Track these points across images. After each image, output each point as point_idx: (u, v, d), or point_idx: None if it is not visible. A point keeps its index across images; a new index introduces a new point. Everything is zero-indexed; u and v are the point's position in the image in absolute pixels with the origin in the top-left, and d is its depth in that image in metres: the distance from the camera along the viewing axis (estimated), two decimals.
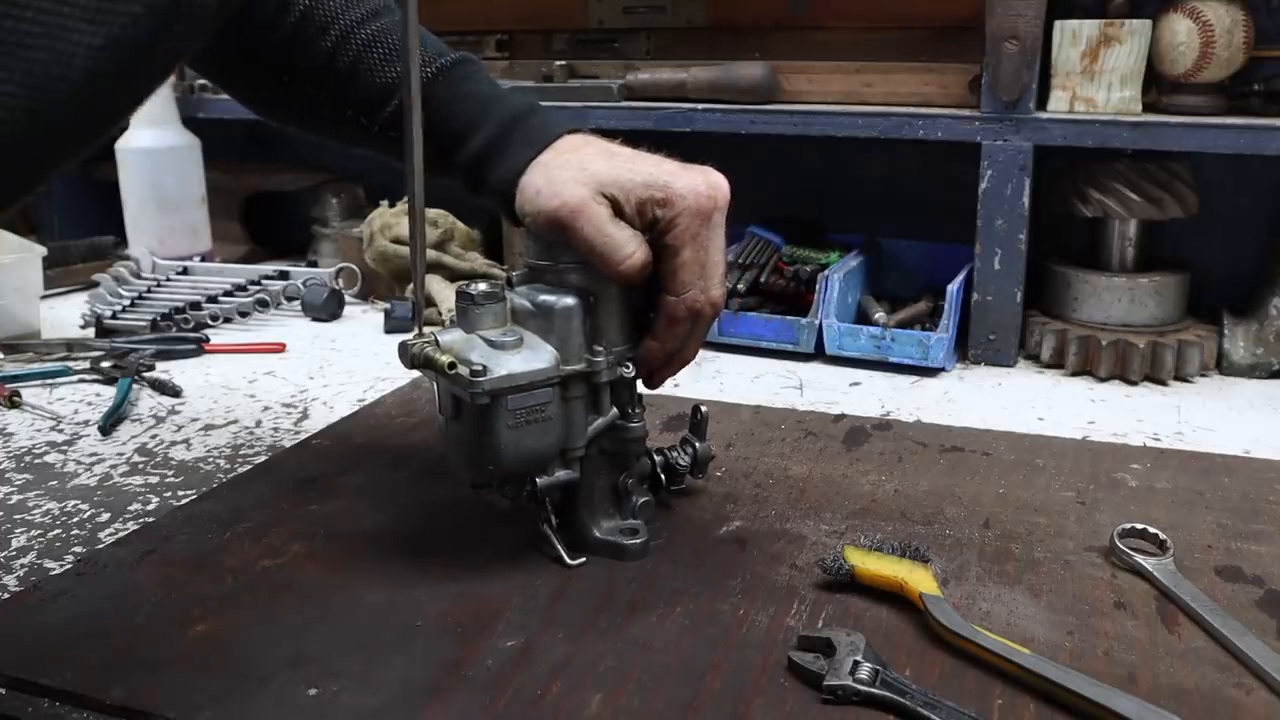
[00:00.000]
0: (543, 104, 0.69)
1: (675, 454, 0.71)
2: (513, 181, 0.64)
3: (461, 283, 0.64)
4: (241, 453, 0.85)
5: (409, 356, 0.62)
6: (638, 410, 0.65)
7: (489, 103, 0.67)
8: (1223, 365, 1.06)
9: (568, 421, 0.62)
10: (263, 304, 1.28)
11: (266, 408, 0.96)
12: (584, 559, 0.64)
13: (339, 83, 0.68)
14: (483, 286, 0.63)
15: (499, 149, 0.65)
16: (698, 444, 0.71)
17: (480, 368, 0.58)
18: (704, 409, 0.72)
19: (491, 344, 0.60)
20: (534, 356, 0.60)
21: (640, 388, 0.67)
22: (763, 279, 1.16)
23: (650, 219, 0.62)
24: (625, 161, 0.63)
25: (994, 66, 1.03)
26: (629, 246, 0.61)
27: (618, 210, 0.61)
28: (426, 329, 0.62)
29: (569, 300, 0.61)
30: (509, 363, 0.60)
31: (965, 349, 1.10)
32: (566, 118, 0.67)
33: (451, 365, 0.59)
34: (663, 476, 0.70)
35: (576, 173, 0.62)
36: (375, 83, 0.68)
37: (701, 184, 0.62)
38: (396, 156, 0.68)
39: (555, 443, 0.62)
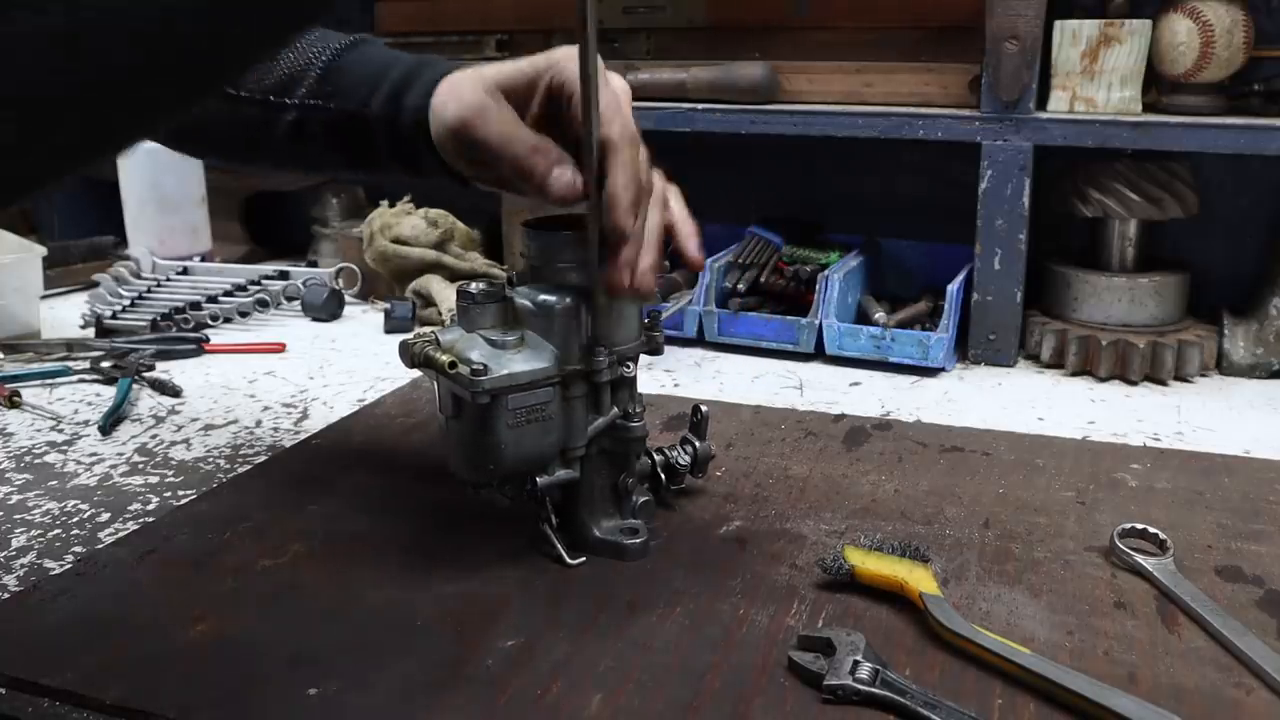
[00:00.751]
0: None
1: (675, 453, 0.71)
2: (425, 105, 0.64)
3: (462, 282, 0.64)
4: (241, 453, 0.85)
5: (409, 355, 0.62)
6: (638, 410, 0.65)
7: (395, 58, 0.69)
8: (1223, 365, 1.06)
9: (568, 421, 0.62)
10: (263, 304, 1.28)
11: (266, 408, 0.96)
12: (583, 559, 0.64)
13: (258, 73, 0.70)
14: (483, 285, 0.63)
15: (409, 81, 0.66)
16: (698, 443, 0.71)
17: (481, 367, 0.58)
18: (704, 408, 0.71)
19: (492, 343, 0.60)
20: (535, 356, 0.61)
21: (638, 391, 0.67)
22: (763, 279, 1.16)
23: (548, 90, 0.62)
24: (510, 61, 0.63)
25: (994, 66, 1.03)
26: (523, 136, 0.60)
27: (521, 101, 0.62)
28: (427, 328, 0.62)
29: (569, 300, 0.61)
30: (510, 362, 0.60)
31: (965, 349, 1.10)
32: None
33: (452, 364, 0.59)
34: (662, 476, 0.70)
35: (473, 82, 0.63)
36: (295, 61, 0.69)
37: (567, 50, 0.62)
38: (315, 134, 0.70)
39: (555, 442, 0.62)
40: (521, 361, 0.60)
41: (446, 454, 0.65)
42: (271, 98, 0.69)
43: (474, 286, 0.63)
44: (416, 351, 0.61)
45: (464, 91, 0.63)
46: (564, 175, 0.59)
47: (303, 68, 0.69)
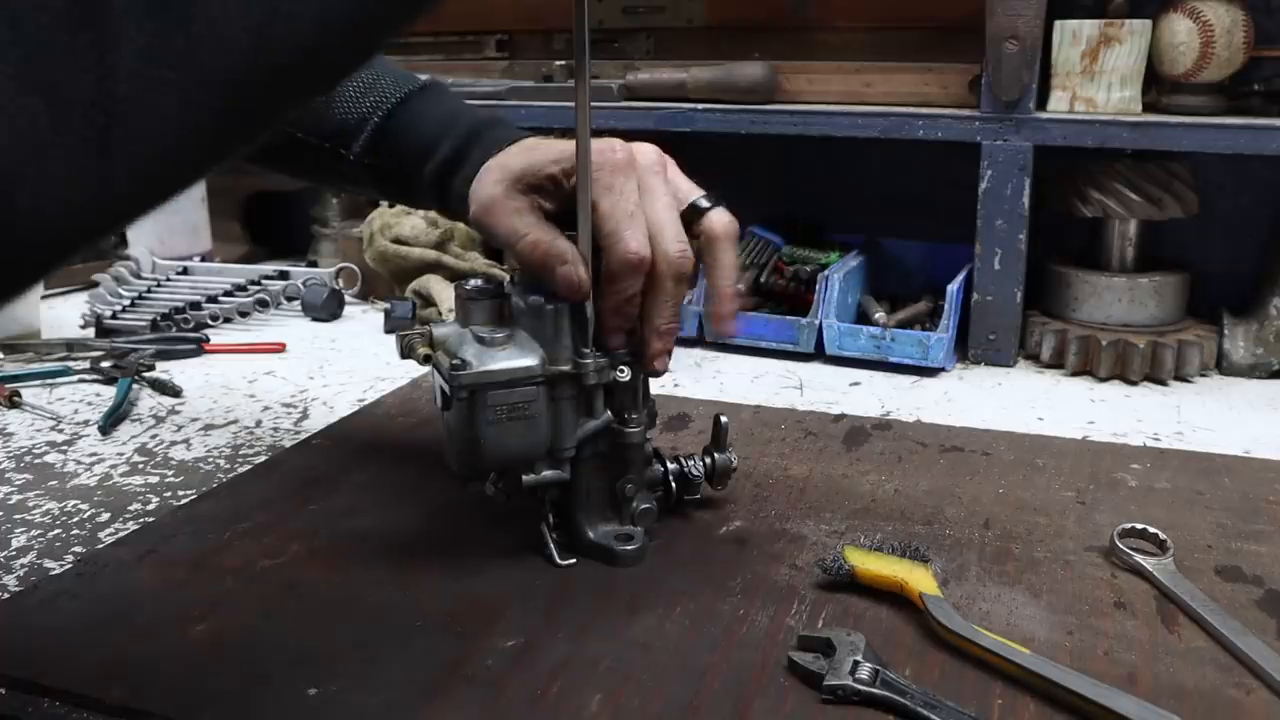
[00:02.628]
0: (504, 115, 0.72)
1: (691, 463, 0.69)
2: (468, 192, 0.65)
3: (462, 280, 0.65)
4: (241, 453, 0.85)
5: (400, 345, 0.63)
6: (636, 415, 0.64)
7: (454, 118, 0.70)
8: (1223, 365, 1.06)
9: (555, 421, 0.62)
10: (263, 304, 1.28)
11: (266, 408, 0.96)
12: (574, 561, 0.64)
13: (314, 117, 0.72)
14: (479, 282, 0.63)
15: (460, 159, 0.68)
16: (717, 455, 0.70)
17: (459, 362, 0.59)
18: (724, 419, 0.71)
19: (481, 340, 0.61)
20: (519, 354, 0.61)
21: (639, 394, 0.66)
22: (763, 279, 1.16)
23: (568, 191, 0.62)
24: (544, 148, 0.63)
25: (994, 66, 1.03)
26: (525, 230, 0.61)
27: (540, 197, 0.62)
28: (427, 326, 0.63)
29: (559, 301, 0.62)
30: (493, 359, 0.60)
31: (965, 349, 1.10)
32: (524, 132, 0.69)
33: (427, 357, 0.60)
34: (674, 485, 0.69)
35: (495, 171, 0.63)
36: (351, 113, 0.71)
37: (609, 146, 0.61)
38: (371, 183, 0.74)
39: (540, 442, 0.62)
40: (505, 359, 0.60)
41: (443, 447, 0.65)
42: (328, 144, 0.72)
43: (471, 283, 0.63)
44: (405, 343, 0.62)
45: (480, 190, 0.63)
46: (568, 276, 0.60)
47: (358, 121, 0.71)
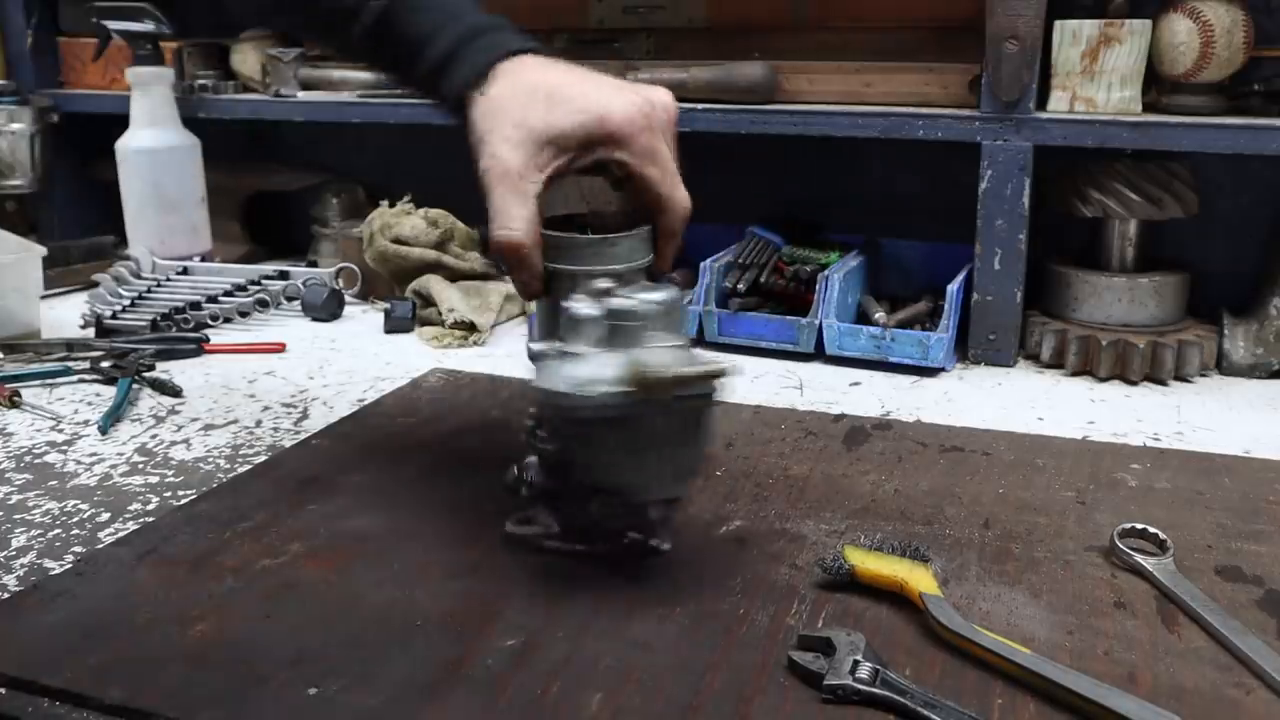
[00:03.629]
0: (505, 21, 0.68)
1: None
2: (462, 97, 0.64)
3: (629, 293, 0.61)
4: (241, 453, 0.85)
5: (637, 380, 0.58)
6: None
7: (450, 15, 0.67)
8: (1223, 365, 1.06)
9: None
10: (263, 304, 1.28)
11: (266, 408, 0.96)
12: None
13: None
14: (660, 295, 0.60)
15: (454, 61, 0.65)
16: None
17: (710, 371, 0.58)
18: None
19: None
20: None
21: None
22: (763, 279, 1.16)
23: (599, 162, 0.63)
24: (564, 106, 0.62)
25: (994, 66, 1.03)
26: (515, 223, 0.61)
27: (557, 158, 0.62)
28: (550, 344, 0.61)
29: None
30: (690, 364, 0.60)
31: (965, 349, 1.10)
32: (525, 39, 0.67)
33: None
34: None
35: (514, 130, 0.62)
36: None
37: (636, 109, 0.62)
38: (376, 59, 0.73)
39: None
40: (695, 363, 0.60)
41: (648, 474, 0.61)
42: (338, 16, 0.69)
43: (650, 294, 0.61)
44: (655, 377, 0.57)
45: (498, 149, 0.61)
46: (527, 285, 0.63)
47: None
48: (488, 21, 0.67)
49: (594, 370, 0.57)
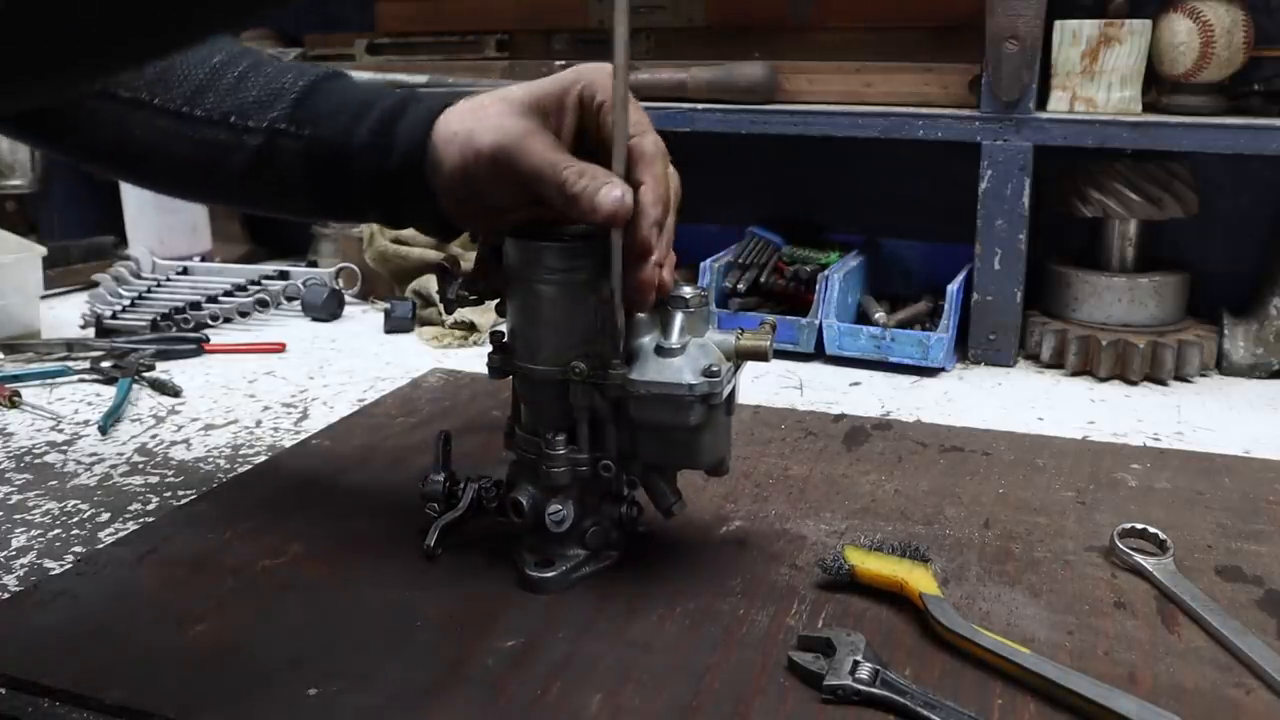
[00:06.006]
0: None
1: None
2: (423, 138, 0.60)
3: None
4: (241, 453, 0.85)
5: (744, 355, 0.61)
6: None
7: (380, 90, 0.65)
8: (1223, 365, 1.06)
9: None
10: (263, 304, 1.28)
11: (266, 408, 0.96)
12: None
13: (220, 94, 0.64)
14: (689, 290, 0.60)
15: (401, 111, 0.62)
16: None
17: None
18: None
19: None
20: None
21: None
22: (763, 279, 1.16)
23: (579, 105, 0.59)
24: (536, 81, 0.60)
25: (994, 66, 1.03)
26: (565, 162, 0.56)
27: (554, 120, 0.59)
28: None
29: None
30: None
31: (965, 349, 1.10)
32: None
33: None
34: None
35: (499, 102, 0.59)
36: (268, 86, 0.64)
37: (593, 65, 0.60)
38: (280, 164, 0.63)
39: None
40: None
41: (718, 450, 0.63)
42: (233, 118, 0.63)
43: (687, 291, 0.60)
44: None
45: (497, 118, 0.58)
46: (613, 193, 0.55)
47: (274, 93, 0.63)
48: (411, 91, 0.65)
49: (708, 356, 0.58)
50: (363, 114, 0.62)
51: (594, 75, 0.60)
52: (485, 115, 0.60)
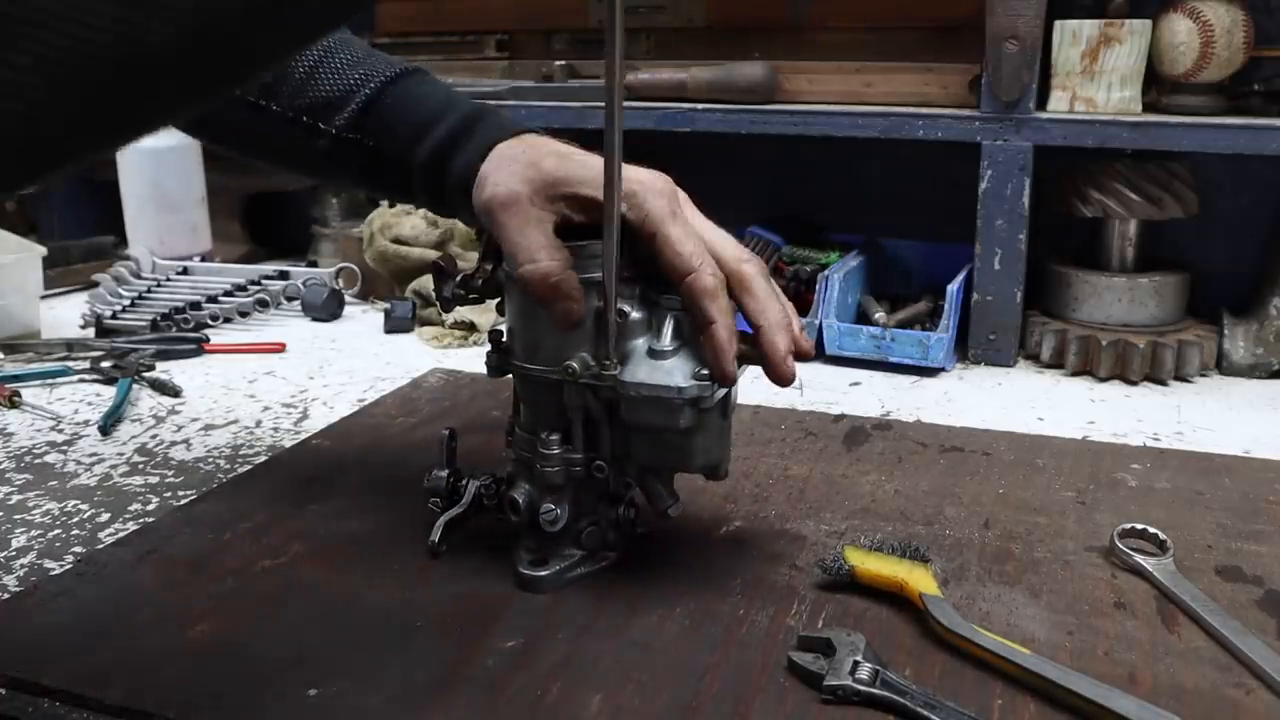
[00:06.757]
0: (498, 109, 0.68)
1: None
2: (476, 168, 0.61)
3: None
4: (241, 453, 0.85)
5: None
6: None
7: (450, 101, 0.66)
8: (1223, 365, 1.06)
9: None
10: (263, 304, 1.28)
11: (266, 408, 0.96)
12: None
13: (293, 89, 0.67)
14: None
15: (458, 142, 0.64)
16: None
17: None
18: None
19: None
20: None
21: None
22: None
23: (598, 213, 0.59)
24: (578, 159, 0.60)
25: (994, 66, 1.03)
26: (538, 255, 0.57)
27: (567, 207, 0.59)
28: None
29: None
30: None
31: (965, 349, 1.10)
32: (524, 120, 0.66)
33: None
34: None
35: (524, 168, 0.59)
36: (336, 85, 0.67)
37: (650, 175, 0.59)
38: (351, 165, 0.68)
39: None
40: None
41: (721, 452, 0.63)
42: (305, 119, 0.67)
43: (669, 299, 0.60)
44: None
45: (505, 179, 0.59)
46: (569, 313, 0.57)
47: (343, 94, 0.66)
48: (484, 107, 0.66)
49: (701, 360, 0.58)
50: (424, 133, 0.65)
51: (647, 199, 0.58)
52: (507, 167, 0.60)
